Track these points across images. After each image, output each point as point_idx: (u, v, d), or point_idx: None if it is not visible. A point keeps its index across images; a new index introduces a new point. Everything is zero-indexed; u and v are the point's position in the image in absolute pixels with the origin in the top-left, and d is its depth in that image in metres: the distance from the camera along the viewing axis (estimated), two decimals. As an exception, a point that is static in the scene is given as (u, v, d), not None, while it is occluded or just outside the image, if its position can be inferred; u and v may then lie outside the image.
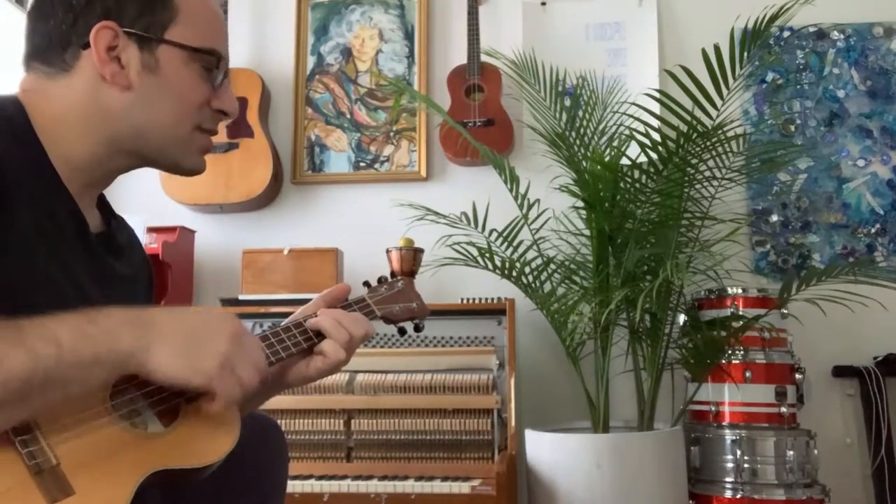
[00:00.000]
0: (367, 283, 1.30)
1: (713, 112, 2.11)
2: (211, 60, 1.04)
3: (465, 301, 2.48)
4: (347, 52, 3.08)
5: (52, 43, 1.01)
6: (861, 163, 2.81)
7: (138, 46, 0.99)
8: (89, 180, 1.03)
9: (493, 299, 2.48)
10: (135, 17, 0.99)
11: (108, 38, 0.98)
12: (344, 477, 2.13)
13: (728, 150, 2.25)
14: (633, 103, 2.20)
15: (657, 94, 2.19)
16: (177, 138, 1.04)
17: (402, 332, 1.30)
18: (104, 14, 0.99)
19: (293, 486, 2.03)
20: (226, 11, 2.93)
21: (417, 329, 1.31)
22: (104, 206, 1.12)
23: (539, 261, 2.45)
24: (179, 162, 1.07)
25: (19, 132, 0.96)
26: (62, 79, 1.00)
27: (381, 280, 1.30)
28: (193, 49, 1.02)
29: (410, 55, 3.04)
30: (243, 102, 2.93)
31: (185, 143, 1.06)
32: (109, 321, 0.87)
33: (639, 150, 2.22)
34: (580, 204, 2.45)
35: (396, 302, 1.27)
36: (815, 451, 2.30)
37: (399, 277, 1.33)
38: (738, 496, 2.23)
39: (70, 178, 1.00)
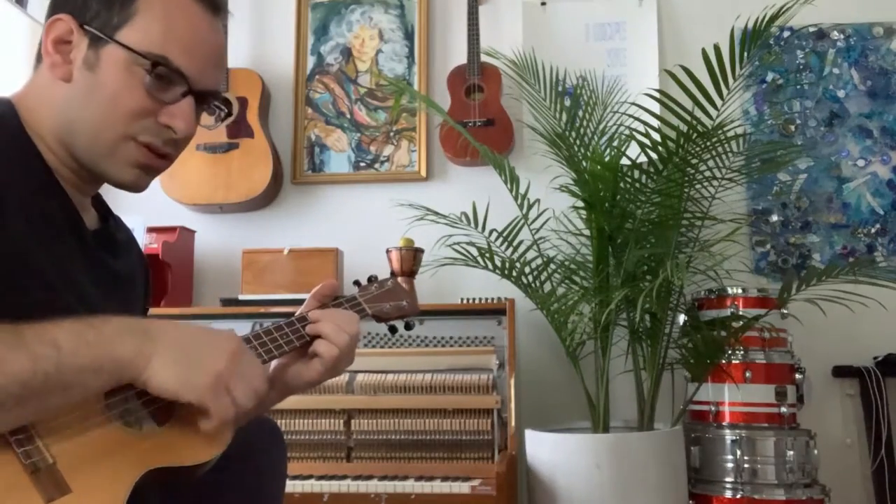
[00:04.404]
0: (357, 283, 1.32)
1: (713, 112, 2.11)
2: (160, 70, 0.97)
3: (465, 301, 2.48)
4: (347, 52, 3.08)
5: (39, 42, 1.03)
6: (861, 163, 2.81)
7: (89, 43, 0.98)
8: (79, 176, 1.02)
9: (493, 299, 2.47)
10: (94, 15, 0.98)
11: (60, 31, 0.99)
12: (344, 477, 2.13)
13: (728, 150, 2.25)
14: (633, 103, 2.19)
15: (657, 94, 2.19)
16: (102, 143, 0.99)
17: (392, 329, 1.32)
18: (71, 10, 0.99)
19: (293, 486, 2.03)
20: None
21: (408, 327, 1.33)
22: (101, 205, 1.12)
23: (539, 261, 2.45)
24: (106, 171, 1.01)
25: (10, 131, 0.97)
26: (37, 74, 1.02)
27: (370, 279, 1.33)
28: (135, 52, 0.96)
29: (410, 55, 3.04)
30: (243, 102, 2.93)
31: (111, 151, 0.99)
32: (109, 328, 0.87)
33: (639, 150, 2.22)
34: (580, 204, 2.45)
35: (387, 300, 1.30)
36: (815, 451, 2.30)
37: (388, 277, 1.36)
38: (738, 496, 2.23)
39: (64, 174, 1.01)
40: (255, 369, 0.98)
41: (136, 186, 1.04)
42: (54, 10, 1.00)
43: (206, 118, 1.11)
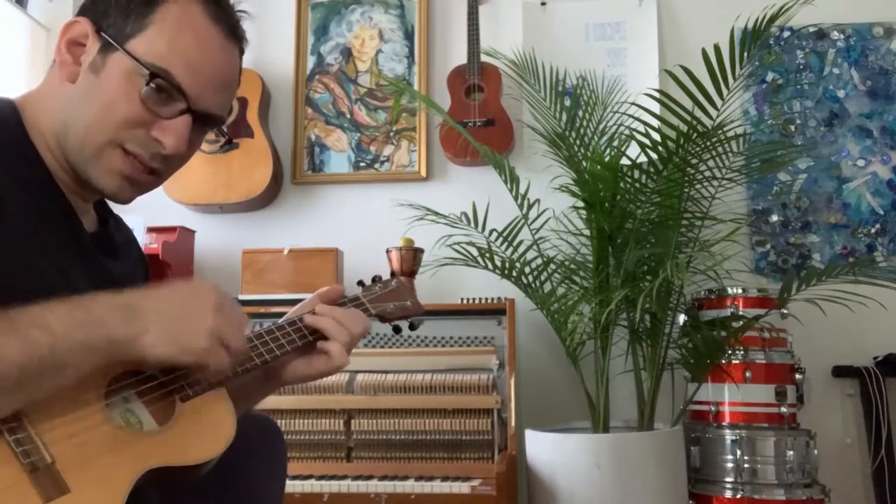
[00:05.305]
0: (361, 283, 1.31)
1: (713, 112, 2.11)
2: (159, 82, 0.97)
3: (464, 301, 2.48)
4: (347, 52, 3.08)
5: None
6: (861, 163, 2.81)
7: (100, 48, 0.99)
8: (75, 181, 1.02)
9: (493, 299, 2.48)
10: (111, 22, 0.99)
11: (75, 33, 1.00)
12: (344, 477, 2.13)
13: (728, 150, 2.25)
14: (633, 103, 2.20)
15: (657, 94, 2.19)
16: (90, 147, 0.98)
17: (396, 330, 1.32)
18: (92, 15, 1.00)
19: (293, 486, 2.03)
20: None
21: (412, 327, 1.32)
22: (102, 206, 1.12)
23: (539, 261, 2.45)
24: (91, 176, 1.00)
25: (11, 133, 0.98)
26: (48, 75, 1.03)
27: (375, 279, 1.32)
28: (138, 61, 0.97)
29: (410, 55, 3.04)
30: (243, 102, 2.94)
31: (96, 156, 0.99)
32: (99, 309, 0.88)
33: (639, 150, 2.22)
34: (580, 204, 2.45)
35: (391, 300, 1.28)
36: (815, 451, 2.30)
37: (393, 277, 1.35)
38: (738, 496, 2.23)
39: (62, 177, 1.01)
40: (238, 311, 1.00)
41: (119, 197, 1.04)
42: (79, 13, 1.02)
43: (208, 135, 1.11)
